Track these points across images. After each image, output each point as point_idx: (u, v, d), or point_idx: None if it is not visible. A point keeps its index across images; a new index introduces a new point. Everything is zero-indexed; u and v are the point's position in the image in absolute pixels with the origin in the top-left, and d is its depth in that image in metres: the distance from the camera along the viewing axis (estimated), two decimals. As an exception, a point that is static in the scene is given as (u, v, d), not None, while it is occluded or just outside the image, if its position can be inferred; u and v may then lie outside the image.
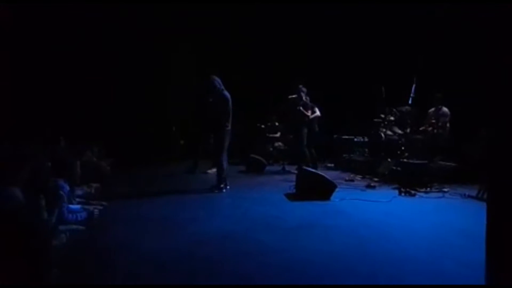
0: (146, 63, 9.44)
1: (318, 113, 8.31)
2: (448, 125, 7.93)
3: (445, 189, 6.31)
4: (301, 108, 8.13)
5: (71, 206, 4.40)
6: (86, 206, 4.57)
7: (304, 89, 8.24)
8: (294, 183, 6.25)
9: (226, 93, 6.16)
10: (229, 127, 6.16)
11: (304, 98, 8.20)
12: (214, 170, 7.73)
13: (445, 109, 8.00)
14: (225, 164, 6.20)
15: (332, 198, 5.65)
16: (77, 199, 4.84)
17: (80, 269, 3.10)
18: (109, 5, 8.53)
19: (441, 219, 4.73)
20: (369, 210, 5.15)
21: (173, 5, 9.24)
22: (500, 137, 1.57)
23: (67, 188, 4.19)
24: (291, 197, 5.85)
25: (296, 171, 7.42)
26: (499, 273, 1.73)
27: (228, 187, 6.26)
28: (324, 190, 5.67)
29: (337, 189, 5.78)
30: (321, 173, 6.37)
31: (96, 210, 4.46)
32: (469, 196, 5.89)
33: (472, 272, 2.78)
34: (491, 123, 1.62)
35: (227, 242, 3.76)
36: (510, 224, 1.65)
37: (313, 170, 6.70)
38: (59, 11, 8.10)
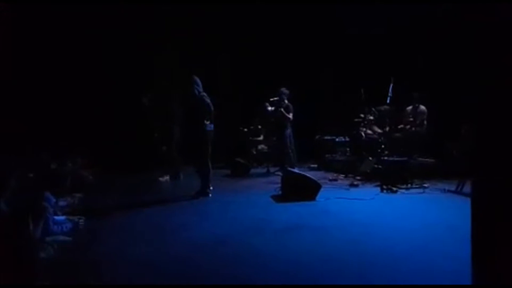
0: (128, 67, 9.29)
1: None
2: (425, 122, 8.17)
3: (425, 185, 6.47)
4: (282, 110, 8.20)
5: (56, 217, 4.34)
6: (70, 217, 4.50)
7: (286, 92, 8.32)
8: (279, 185, 6.30)
9: (204, 94, 6.10)
10: (211, 129, 6.11)
11: (286, 100, 8.27)
12: (167, 177, 7.81)
13: (422, 107, 8.24)
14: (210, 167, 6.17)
15: (317, 198, 5.74)
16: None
17: (70, 280, 3.06)
18: (91, 10, 8.39)
19: (425, 214, 4.89)
20: (354, 208, 5.26)
21: (156, 8, 9.15)
22: (485, 135, 1.64)
23: (53, 200, 4.13)
24: (278, 199, 5.91)
25: (280, 173, 7.49)
26: (486, 272, 1.77)
27: (211, 188, 6.21)
28: (309, 190, 5.75)
29: (321, 189, 5.87)
30: (305, 173, 6.45)
31: (81, 221, 4.40)
32: (449, 191, 6.08)
33: (464, 267, 2.86)
34: (476, 121, 1.69)
35: (218, 246, 3.79)
36: (494, 223, 1.70)
37: (297, 171, 6.77)
38: (42, 20, 7.92)
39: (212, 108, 6.09)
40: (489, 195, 1.69)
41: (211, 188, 6.23)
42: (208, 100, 6.08)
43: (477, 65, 1.67)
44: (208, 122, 6.07)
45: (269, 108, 8.50)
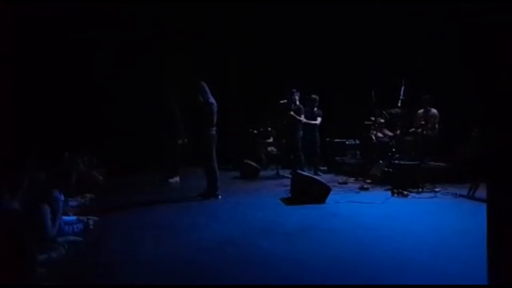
0: (135, 69, 9.36)
1: (318, 121, 8.38)
2: (437, 126, 8.09)
3: (437, 189, 6.41)
4: (292, 113, 8.17)
5: (66, 217, 4.37)
6: (81, 217, 4.54)
7: (298, 93, 8.28)
8: (289, 188, 6.28)
9: (213, 103, 6.10)
10: (214, 132, 6.13)
11: (297, 102, 8.24)
12: (177, 178, 7.83)
13: (434, 110, 8.16)
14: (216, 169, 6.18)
15: (327, 201, 5.70)
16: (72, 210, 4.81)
17: (81, 281, 3.09)
18: (94, 10, 8.47)
19: (436, 219, 4.81)
20: (365, 212, 5.21)
21: (163, 9, 9.21)
22: (499, 137, 1.61)
23: (62, 199, 4.16)
24: (287, 201, 5.89)
25: (290, 176, 7.46)
26: (502, 272, 1.74)
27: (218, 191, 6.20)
28: (319, 193, 5.72)
29: (331, 192, 5.84)
30: (315, 176, 6.42)
31: (91, 221, 4.43)
32: (461, 195, 6.00)
33: (475, 271, 2.83)
34: (489, 123, 1.66)
35: (226, 248, 3.78)
36: (510, 223, 1.67)
37: (307, 174, 6.74)
38: (42, 19, 8.01)
39: (215, 120, 6.09)
40: (505, 197, 1.66)
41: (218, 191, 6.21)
42: (215, 110, 6.08)
43: (477, 65, 1.64)
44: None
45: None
